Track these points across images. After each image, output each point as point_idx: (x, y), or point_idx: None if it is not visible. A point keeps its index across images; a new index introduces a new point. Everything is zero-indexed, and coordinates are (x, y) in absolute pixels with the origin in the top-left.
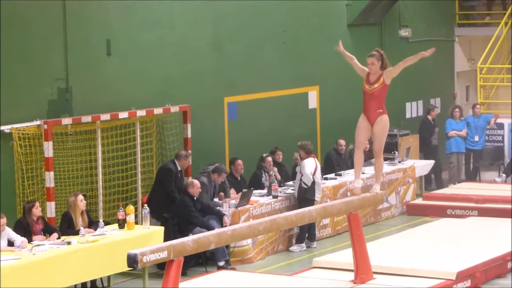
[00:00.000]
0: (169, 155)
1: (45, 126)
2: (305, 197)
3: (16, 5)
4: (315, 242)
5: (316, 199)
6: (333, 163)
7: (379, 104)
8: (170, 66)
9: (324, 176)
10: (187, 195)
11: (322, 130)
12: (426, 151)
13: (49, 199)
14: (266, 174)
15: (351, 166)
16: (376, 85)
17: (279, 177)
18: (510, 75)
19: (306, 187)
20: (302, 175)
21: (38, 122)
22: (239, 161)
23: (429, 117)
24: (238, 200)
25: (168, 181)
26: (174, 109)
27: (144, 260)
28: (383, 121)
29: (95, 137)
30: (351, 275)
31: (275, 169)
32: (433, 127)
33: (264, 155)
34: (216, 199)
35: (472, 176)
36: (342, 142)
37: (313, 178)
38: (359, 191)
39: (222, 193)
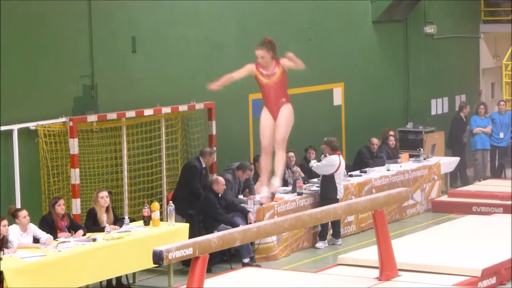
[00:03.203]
0: (194, 152)
1: (71, 123)
2: (326, 196)
3: (42, 3)
4: (340, 239)
5: (337, 197)
6: (364, 160)
7: (283, 93)
8: (195, 63)
9: (349, 173)
10: (211, 192)
11: (347, 127)
12: (455, 149)
13: (75, 196)
14: (289, 170)
15: (379, 163)
16: (276, 76)
17: (302, 174)
18: None
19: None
20: (317, 163)
21: (63, 119)
22: None
23: (462, 115)
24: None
25: (193, 178)
26: (199, 106)
27: (170, 257)
28: (288, 110)
29: (121, 134)
30: (376, 272)
31: (298, 169)
32: (465, 125)
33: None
34: (240, 196)
35: (497, 173)
36: (375, 140)
37: (333, 175)
38: (267, 200)
39: (247, 190)
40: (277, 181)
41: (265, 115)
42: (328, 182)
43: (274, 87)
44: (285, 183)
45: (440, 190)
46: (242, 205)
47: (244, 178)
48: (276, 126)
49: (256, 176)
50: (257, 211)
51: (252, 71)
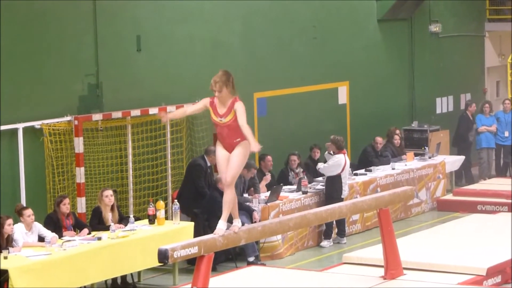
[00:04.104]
0: (198, 151)
1: (76, 122)
2: (331, 195)
3: (47, 2)
4: (345, 238)
5: (342, 196)
6: (369, 159)
7: (237, 134)
8: (200, 62)
9: (354, 172)
10: (216, 190)
11: (352, 126)
12: (461, 147)
13: (80, 195)
14: (293, 172)
15: (384, 162)
16: (229, 118)
17: (306, 180)
18: None
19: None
20: (324, 164)
21: (68, 118)
22: (269, 157)
23: (468, 113)
24: (268, 195)
25: (197, 177)
26: None
27: (175, 256)
28: (242, 147)
29: (126, 132)
30: (381, 271)
31: (303, 177)
32: (472, 123)
33: (295, 152)
34: (245, 195)
35: (502, 171)
36: (379, 139)
37: (340, 175)
38: (221, 231)
39: (252, 189)
40: (221, 223)
41: (220, 150)
42: (334, 181)
43: (226, 128)
44: (289, 184)
45: (445, 188)
46: (247, 203)
47: (249, 176)
48: (229, 163)
49: (261, 175)
50: (262, 209)
51: (206, 106)
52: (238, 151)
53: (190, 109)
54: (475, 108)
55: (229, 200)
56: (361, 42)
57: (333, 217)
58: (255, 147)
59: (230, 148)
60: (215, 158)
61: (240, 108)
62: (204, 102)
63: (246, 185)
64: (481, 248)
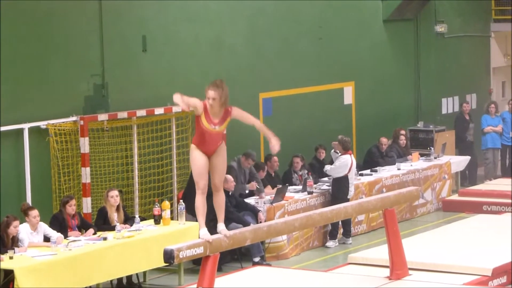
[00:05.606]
0: None
1: (81, 122)
2: (337, 195)
3: (53, 2)
4: (350, 238)
5: (348, 197)
6: (374, 159)
7: (221, 137)
8: (205, 62)
9: (359, 172)
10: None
11: (358, 126)
12: (461, 147)
13: (85, 195)
14: (296, 175)
15: (389, 162)
16: (223, 127)
17: (311, 181)
18: None
19: (329, 174)
20: (331, 166)
21: (74, 118)
22: (275, 158)
23: (463, 113)
24: (273, 196)
25: None
26: None
27: (181, 256)
28: (224, 151)
29: (131, 133)
30: (386, 271)
31: (305, 176)
32: (467, 123)
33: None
34: (246, 186)
35: (508, 172)
36: (384, 140)
37: (347, 175)
38: (208, 236)
39: (253, 182)
40: (222, 225)
41: (200, 155)
42: (341, 182)
43: (215, 135)
44: (293, 185)
45: (450, 189)
46: (253, 204)
47: (246, 165)
48: (214, 169)
49: (268, 176)
50: (268, 210)
51: (197, 109)
52: (223, 157)
53: (191, 101)
54: (469, 107)
55: (222, 202)
56: (366, 42)
57: (338, 217)
58: (276, 145)
59: (210, 152)
60: (195, 164)
61: (241, 111)
62: (198, 104)
63: (246, 177)
64: (487, 248)
